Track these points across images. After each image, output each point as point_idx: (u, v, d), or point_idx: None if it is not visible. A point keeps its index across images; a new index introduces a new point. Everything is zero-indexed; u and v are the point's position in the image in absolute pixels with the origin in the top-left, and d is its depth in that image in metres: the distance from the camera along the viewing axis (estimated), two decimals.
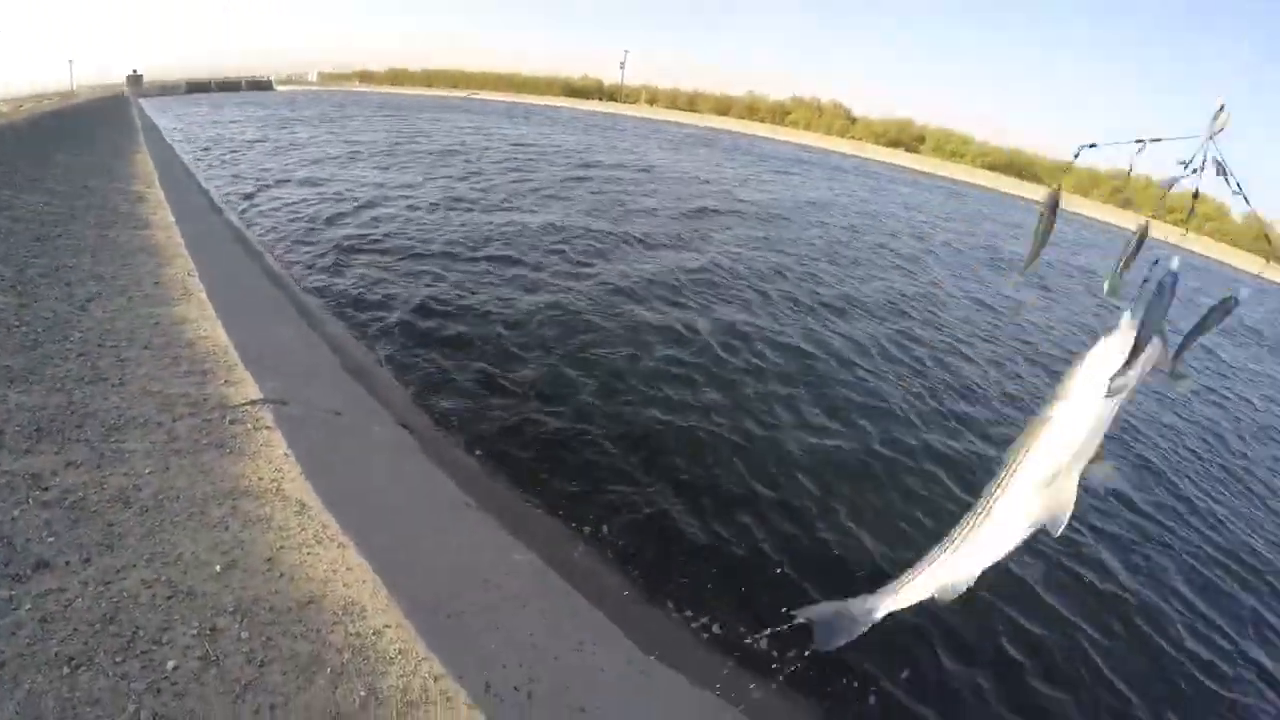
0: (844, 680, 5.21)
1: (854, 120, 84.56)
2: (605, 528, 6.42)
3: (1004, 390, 11.42)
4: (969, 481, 8.24)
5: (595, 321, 11.13)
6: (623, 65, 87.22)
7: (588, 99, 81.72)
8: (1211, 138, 2.75)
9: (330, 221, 15.59)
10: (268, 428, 5.51)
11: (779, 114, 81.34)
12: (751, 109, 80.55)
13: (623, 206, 20.77)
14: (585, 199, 21.28)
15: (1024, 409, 10.77)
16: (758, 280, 14.87)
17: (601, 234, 16.72)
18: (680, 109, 78.85)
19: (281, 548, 4.34)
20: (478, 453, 7.27)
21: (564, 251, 14.82)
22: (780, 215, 23.69)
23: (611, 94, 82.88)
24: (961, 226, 31.20)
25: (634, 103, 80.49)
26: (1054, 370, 12.76)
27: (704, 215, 21.44)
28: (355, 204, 17.48)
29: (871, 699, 5.12)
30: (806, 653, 5.29)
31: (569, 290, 12.41)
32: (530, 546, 5.70)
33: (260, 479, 4.93)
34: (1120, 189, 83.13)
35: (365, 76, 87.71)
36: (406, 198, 18.75)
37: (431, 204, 18.24)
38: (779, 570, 6.30)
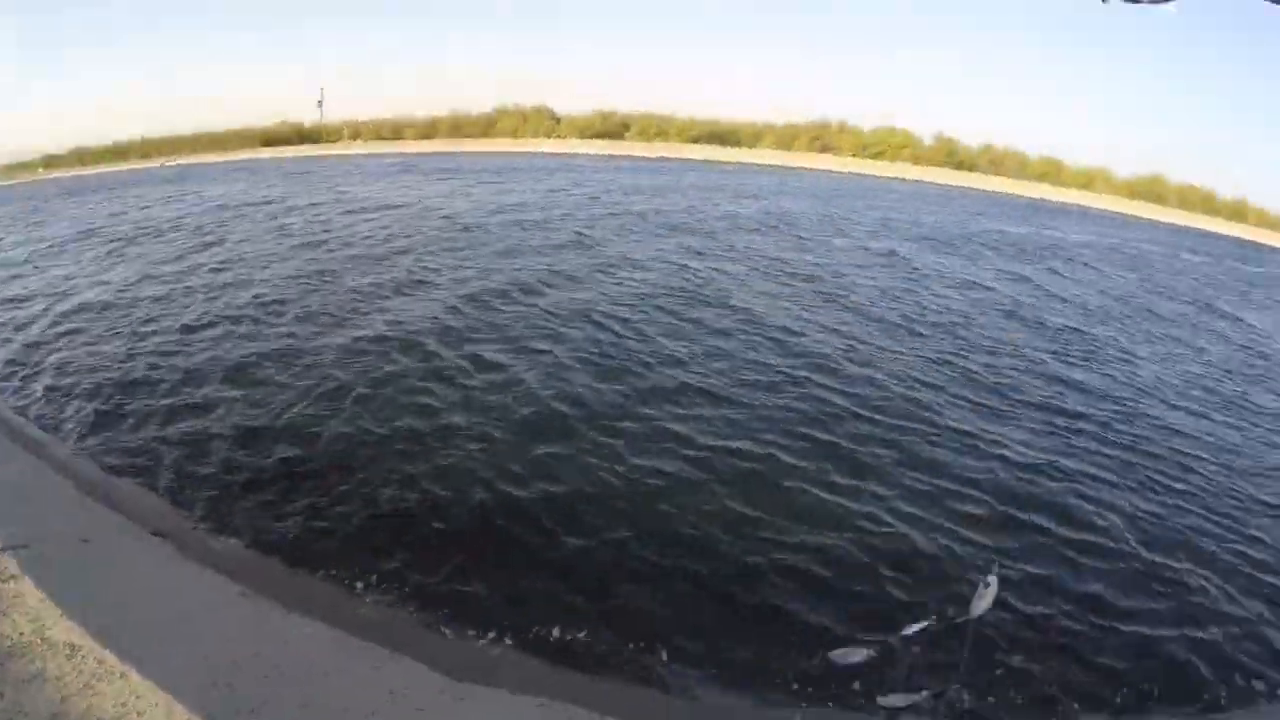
0: (633, 646, 5.94)
1: (559, 120, 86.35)
2: (377, 575, 6.58)
3: (661, 330, 13.49)
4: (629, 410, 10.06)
5: (299, 363, 11.39)
6: (320, 104, 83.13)
7: (288, 145, 78.17)
8: (977, 617, 3.48)
9: (22, 328, 14.23)
10: (14, 577, 5.43)
11: (486, 126, 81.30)
12: (456, 127, 79.73)
13: (319, 248, 20.70)
14: (280, 248, 20.94)
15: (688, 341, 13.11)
16: (450, 287, 15.93)
17: (295, 279, 16.86)
18: (386, 139, 76.85)
19: (64, 698, 4.19)
20: (238, 538, 7.17)
21: (259, 303, 14.85)
22: (477, 224, 24.57)
23: (313, 136, 79.71)
24: (659, 200, 33.56)
25: (336, 141, 77.63)
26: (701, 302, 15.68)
27: (400, 239, 21.82)
28: (48, 302, 15.91)
29: (663, 655, 5.88)
30: (593, 634, 6.03)
31: (270, 340, 12.56)
32: (315, 616, 5.77)
33: (21, 634, 4.77)
34: (819, 137, 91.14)
35: (51, 162, 78.69)
36: (101, 284, 17.41)
37: (126, 284, 17.15)
38: (526, 549, 7.05)
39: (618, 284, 16.80)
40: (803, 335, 13.71)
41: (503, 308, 14.50)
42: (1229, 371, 15.51)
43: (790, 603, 6.55)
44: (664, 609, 6.41)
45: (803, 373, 11.76)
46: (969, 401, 11.30)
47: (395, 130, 78.58)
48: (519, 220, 25.33)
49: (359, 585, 6.46)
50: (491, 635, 5.92)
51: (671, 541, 7.30)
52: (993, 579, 3.41)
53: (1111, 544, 7.90)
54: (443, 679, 5.15)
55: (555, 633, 5.97)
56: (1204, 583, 7.48)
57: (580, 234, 23.01)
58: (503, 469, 8.43)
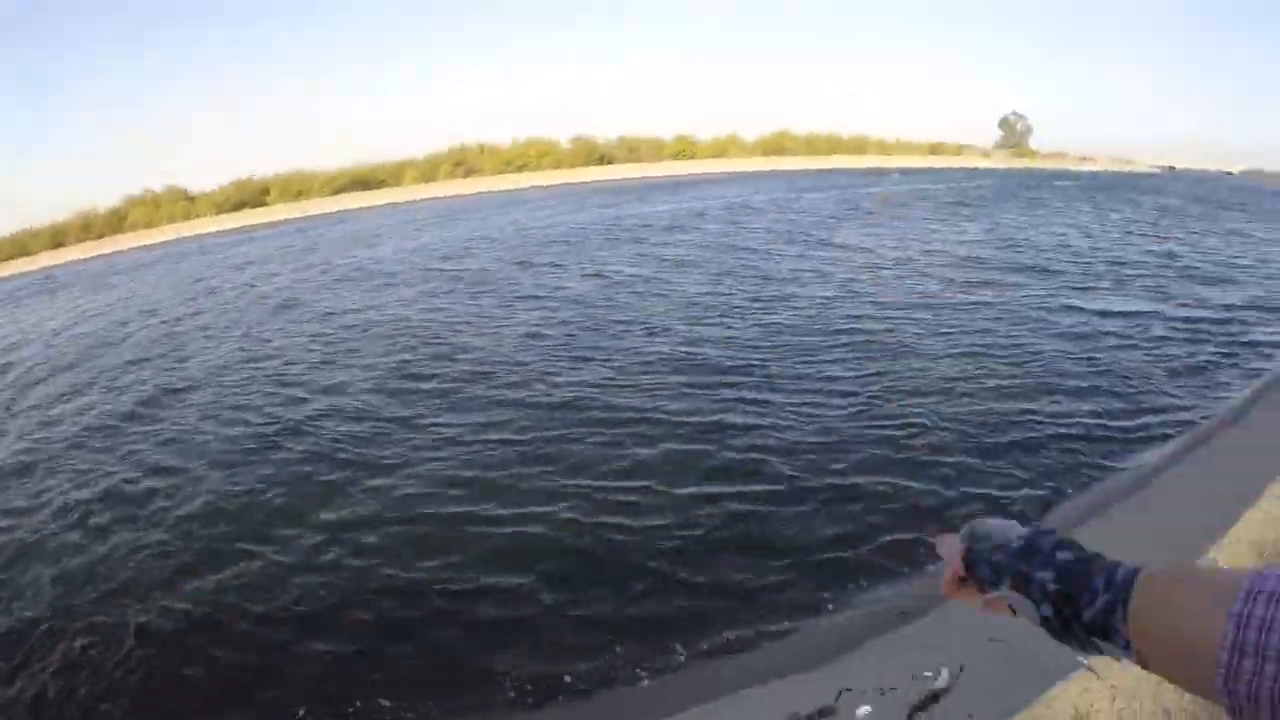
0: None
1: (194, 199, 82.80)
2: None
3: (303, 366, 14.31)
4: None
5: None
6: None
7: None
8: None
9: None
10: None
11: (118, 222, 75.83)
12: (87, 229, 73.42)
13: None
14: None
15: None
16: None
17: None
18: (9, 258, 69.90)
19: None
20: None
21: None
22: (68, 343, 21.37)
23: None
24: (260, 269, 33.16)
25: None
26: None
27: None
28: None
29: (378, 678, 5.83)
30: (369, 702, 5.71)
31: None
32: None
33: None
34: (461, 162, 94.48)
35: None
36: None
37: None
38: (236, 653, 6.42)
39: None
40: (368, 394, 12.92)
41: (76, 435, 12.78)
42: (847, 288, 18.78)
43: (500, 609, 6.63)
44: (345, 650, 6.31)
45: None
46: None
47: (19, 245, 71.84)
48: (124, 331, 22.20)
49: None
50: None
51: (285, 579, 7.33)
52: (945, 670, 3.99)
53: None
54: None
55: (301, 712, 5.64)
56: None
57: (171, 335, 20.33)
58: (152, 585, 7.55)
